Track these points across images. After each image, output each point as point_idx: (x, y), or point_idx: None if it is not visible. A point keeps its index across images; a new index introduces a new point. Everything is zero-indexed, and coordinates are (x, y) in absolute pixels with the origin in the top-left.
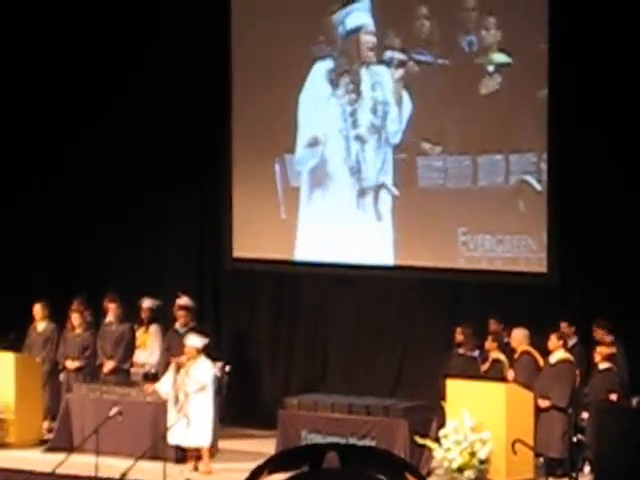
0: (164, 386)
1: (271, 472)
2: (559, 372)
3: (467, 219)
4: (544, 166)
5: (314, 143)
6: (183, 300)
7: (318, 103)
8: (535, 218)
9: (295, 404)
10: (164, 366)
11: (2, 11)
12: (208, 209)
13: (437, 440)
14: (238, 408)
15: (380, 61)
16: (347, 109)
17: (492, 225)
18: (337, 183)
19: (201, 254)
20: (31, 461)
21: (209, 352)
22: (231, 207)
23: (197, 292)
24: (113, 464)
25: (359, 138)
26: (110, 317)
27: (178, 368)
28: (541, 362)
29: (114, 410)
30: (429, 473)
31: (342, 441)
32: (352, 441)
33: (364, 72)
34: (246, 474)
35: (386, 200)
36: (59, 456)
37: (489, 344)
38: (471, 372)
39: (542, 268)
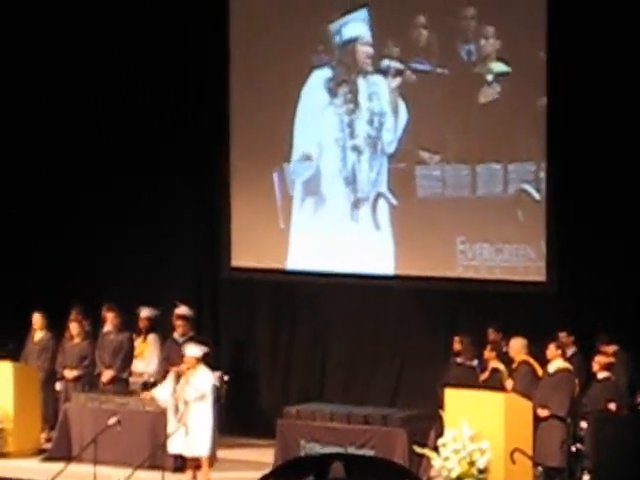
0: (162, 393)
1: None
2: (558, 381)
3: (466, 228)
4: (543, 175)
5: (306, 158)
6: (181, 309)
7: (315, 112)
8: (534, 227)
9: (294, 413)
10: (162, 375)
11: (2, 11)
12: (206, 218)
13: (436, 449)
14: (237, 417)
15: (377, 70)
16: (345, 119)
17: (491, 234)
18: (333, 193)
19: (199, 263)
20: (29, 470)
21: (208, 361)
22: (229, 216)
23: (195, 301)
24: (111, 473)
25: (356, 148)
26: (108, 326)
27: (178, 377)
28: (540, 371)
29: (113, 419)
30: None
31: (341, 450)
32: (351, 450)
33: (361, 82)
34: None
35: (384, 209)
36: (57, 465)
37: (488, 353)
38: (470, 381)
39: (541, 277)
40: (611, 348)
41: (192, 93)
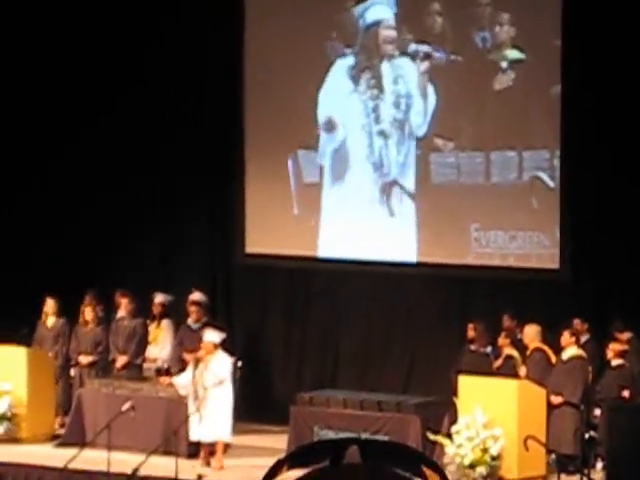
0: (182, 380)
1: (291, 467)
2: (572, 369)
3: (480, 215)
4: (557, 162)
5: (331, 127)
6: (196, 295)
7: (340, 101)
8: (548, 214)
9: (307, 400)
10: (176, 361)
11: (2, 11)
12: (221, 204)
13: (449, 436)
14: (250, 404)
15: (402, 53)
16: (369, 104)
17: (505, 221)
18: (359, 179)
19: (214, 249)
20: (43, 456)
21: (226, 347)
22: (244, 203)
23: (209, 287)
24: (125, 459)
25: (382, 133)
26: (122, 312)
27: (196, 363)
28: (553, 359)
29: (126, 405)
30: None
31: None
32: (364, 437)
33: (385, 66)
34: (258, 470)
35: (400, 197)
36: (71, 451)
37: (502, 340)
38: (483, 368)
39: (554, 264)
40: (625, 335)
41: (205, 90)
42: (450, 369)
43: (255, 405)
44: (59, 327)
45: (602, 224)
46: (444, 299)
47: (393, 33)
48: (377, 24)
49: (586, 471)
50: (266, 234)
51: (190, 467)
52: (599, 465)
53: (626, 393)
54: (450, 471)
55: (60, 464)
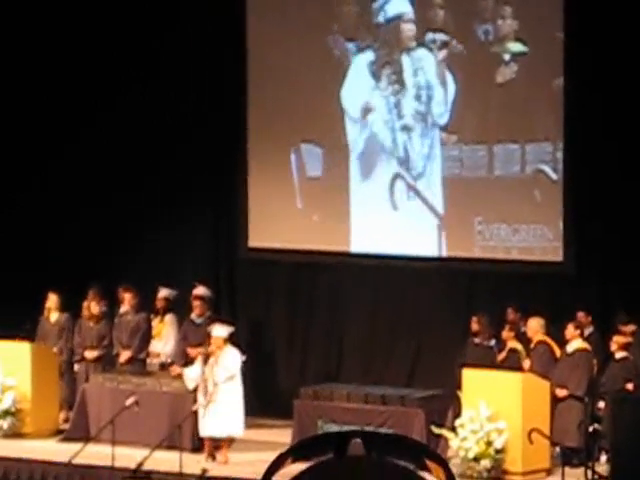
0: (192, 373)
1: (295, 460)
2: (576, 361)
3: (483, 208)
4: (560, 155)
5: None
6: (199, 290)
7: (362, 96)
8: (551, 207)
9: (311, 394)
10: (180, 356)
11: (4, 10)
12: (224, 199)
13: (453, 429)
14: (254, 398)
15: (420, 44)
16: (391, 100)
17: (508, 214)
18: (385, 172)
19: (217, 244)
20: (47, 451)
21: (234, 341)
22: (247, 197)
23: (213, 282)
24: (129, 454)
25: (405, 128)
26: (125, 307)
27: (206, 358)
28: (557, 352)
29: (130, 400)
30: None
31: None
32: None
33: (405, 59)
34: (262, 464)
35: (402, 190)
36: (75, 446)
37: (506, 333)
38: (487, 361)
39: (558, 257)
40: (629, 328)
41: (208, 84)
42: (454, 362)
43: (259, 399)
44: (63, 322)
45: (605, 217)
46: (448, 292)
47: (413, 26)
48: (398, 18)
49: (590, 464)
50: (269, 228)
51: (195, 461)
52: (603, 458)
53: (630, 386)
54: (454, 464)
55: (64, 459)
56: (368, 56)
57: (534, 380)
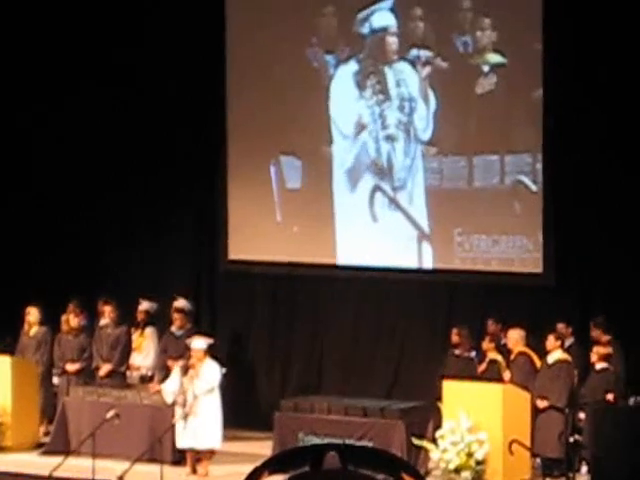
0: (169, 386)
1: (271, 472)
2: (557, 372)
3: (463, 220)
4: (539, 167)
5: (342, 150)
6: (180, 303)
7: (347, 106)
8: (531, 218)
9: (292, 406)
10: (160, 369)
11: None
12: (204, 212)
13: (434, 441)
14: (235, 410)
15: (404, 58)
16: (376, 110)
17: (488, 226)
18: (363, 184)
19: (197, 256)
20: (28, 464)
21: (213, 354)
22: (227, 210)
23: (193, 294)
24: (110, 467)
25: (389, 138)
26: (106, 320)
27: (185, 371)
28: (537, 363)
29: (111, 413)
30: (426, 474)
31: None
32: (350, 443)
33: (388, 71)
34: (243, 476)
35: (382, 201)
36: (56, 459)
37: (486, 345)
38: (467, 373)
39: (538, 268)
40: (608, 339)
41: (188, 96)
42: (434, 374)
43: (240, 411)
44: (41, 335)
45: (585, 228)
46: (428, 304)
47: (397, 40)
48: (384, 30)
49: (571, 475)
50: (249, 241)
51: (176, 474)
52: (584, 469)
53: (610, 396)
54: (435, 476)
55: (45, 472)
56: (352, 67)
57: (514, 391)
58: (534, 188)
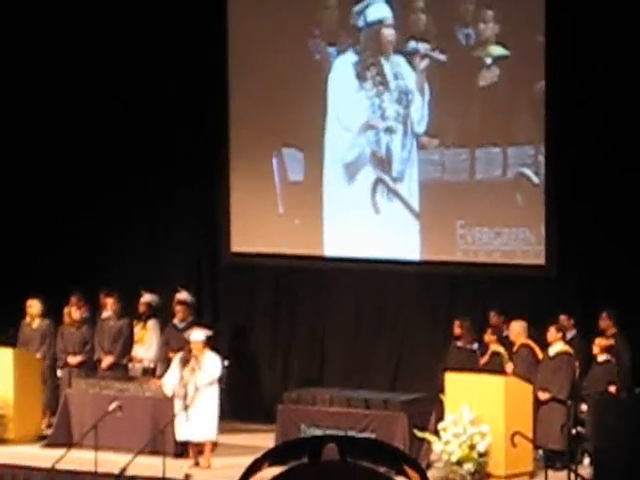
0: (170, 379)
1: (271, 464)
2: (559, 364)
3: (465, 212)
4: (542, 159)
5: (342, 143)
6: (182, 295)
7: (347, 98)
8: (533, 211)
9: (294, 398)
10: (162, 361)
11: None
12: (206, 204)
13: (436, 433)
14: (237, 403)
15: (401, 52)
16: (375, 102)
17: (490, 218)
18: (364, 176)
19: (199, 249)
20: (30, 457)
21: (212, 345)
22: (229, 202)
23: (195, 287)
24: (112, 459)
25: (388, 130)
26: (108, 312)
27: (184, 363)
28: (540, 355)
29: (113, 405)
30: (428, 466)
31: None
32: (351, 435)
33: (385, 63)
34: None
35: (384, 193)
36: (58, 452)
37: (488, 337)
38: (470, 365)
39: (540, 260)
40: (611, 330)
41: (190, 89)
42: (437, 366)
43: (242, 404)
44: (44, 328)
45: (587, 220)
46: (430, 296)
47: (393, 32)
48: (379, 22)
49: (573, 467)
50: (251, 233)
51: (178, 467)
52: (586, 461)
53: (612, 388)
54: (437, 468)
55: (47, 465)
56: (350, 57)
57: (517, 383)
58: (536, 180)
